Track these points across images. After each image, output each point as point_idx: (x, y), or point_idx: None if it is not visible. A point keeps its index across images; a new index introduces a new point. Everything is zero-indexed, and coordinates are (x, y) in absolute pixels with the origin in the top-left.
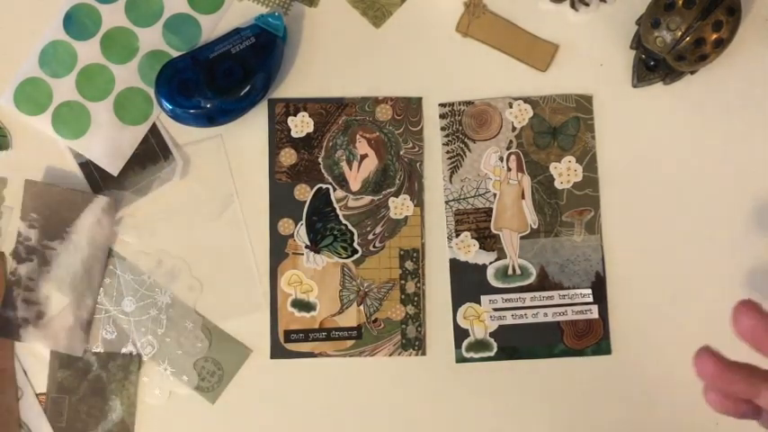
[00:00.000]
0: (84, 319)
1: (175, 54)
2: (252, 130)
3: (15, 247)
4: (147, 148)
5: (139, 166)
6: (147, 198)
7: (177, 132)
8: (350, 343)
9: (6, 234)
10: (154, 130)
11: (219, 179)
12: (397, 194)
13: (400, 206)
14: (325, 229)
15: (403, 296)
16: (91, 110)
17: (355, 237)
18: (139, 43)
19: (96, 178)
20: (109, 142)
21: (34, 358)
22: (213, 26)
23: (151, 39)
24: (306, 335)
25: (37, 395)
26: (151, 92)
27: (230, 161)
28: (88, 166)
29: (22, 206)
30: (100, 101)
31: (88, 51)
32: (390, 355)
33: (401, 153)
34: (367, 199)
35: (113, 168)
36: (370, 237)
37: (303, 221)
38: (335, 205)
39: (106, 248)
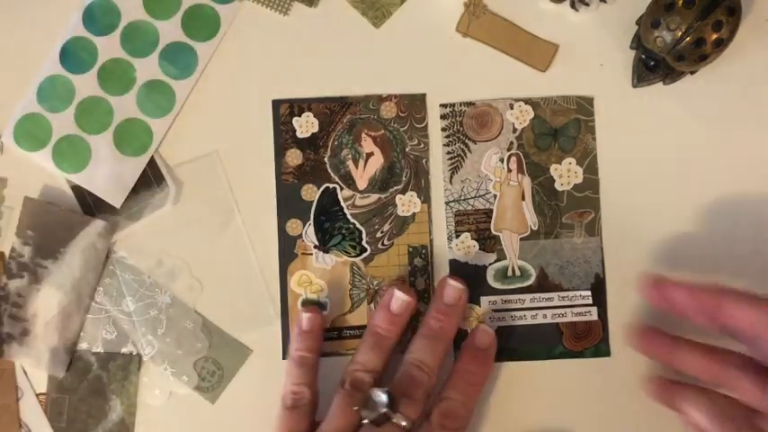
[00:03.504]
0: (70, 341)
1: (173, 83)
2: (257, 131)
3: (7, 262)
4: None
5: (132, 192)
6: (141, 223)
7: (171, 154)
8: None
9: (6, 234)
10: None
11: (218, 197)
12: (404, 192)
13: (407, 203)
14: (333, 228)
15: None
16: (90, 143)
17: (363, 235)
18: (137, 74)
19: (88, 201)
20: (110, 175)
21: None
22: (210, 53)
23: (148, 69)
24: None
25: (37, 395)
26: (150, 122)
27: (234, 165)
28: (81, 189)
29: (19, 222)
30: (99, 133)
31: (85, 84)
32: (401, 353)
33: (407, 150)
34: (374, 197)
35: (116, 201)
36: (379, 234)
37: (311, 221)
38: (343, 204)
39: (99, 272)
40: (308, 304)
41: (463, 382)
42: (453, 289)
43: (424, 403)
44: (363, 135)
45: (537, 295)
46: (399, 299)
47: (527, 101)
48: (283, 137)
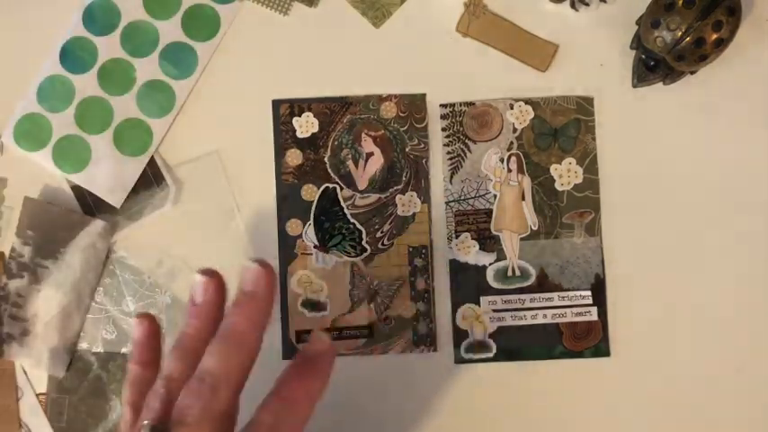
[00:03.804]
0: (70, 341)
1: (173, 83)
2: (257, 131)
3: (7, 262)
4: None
5: (132, 192)
6: (140, 223)
7: (171, 154)
8: (362, 341)
9: (6, 234)
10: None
11: (218, 197)
12: (404, 192)
13: (407, 203)
14: (333, 228)
15: (413, 293)
16: (91, 143)
17: (363, 235)
18: (137, 74)
19: (88, 201)
20: (110, 175)
21: None
22: (210, 53)
23: (148, 69)
24: None
25: (37, 395)
26: (150, 122)
27: (234, 165)
28: (81, 189)
29: (19, 222)
30: (99, 133)
31: (85, 84)
32: (402, 352)
33: (407, 150)
34: (374, 197)
35: (116, 201)
36: (379, 234)
37: (311, 221)
38: (343, 204)
39: (99, 272)
40: (307, 306)
41: (278, 400)
42: (252, 272)
43: (215, 427)
44: (363, 135)
45: (537, 295)
46: (199, 283)
47: (527, 101)
48: (283, 137)
